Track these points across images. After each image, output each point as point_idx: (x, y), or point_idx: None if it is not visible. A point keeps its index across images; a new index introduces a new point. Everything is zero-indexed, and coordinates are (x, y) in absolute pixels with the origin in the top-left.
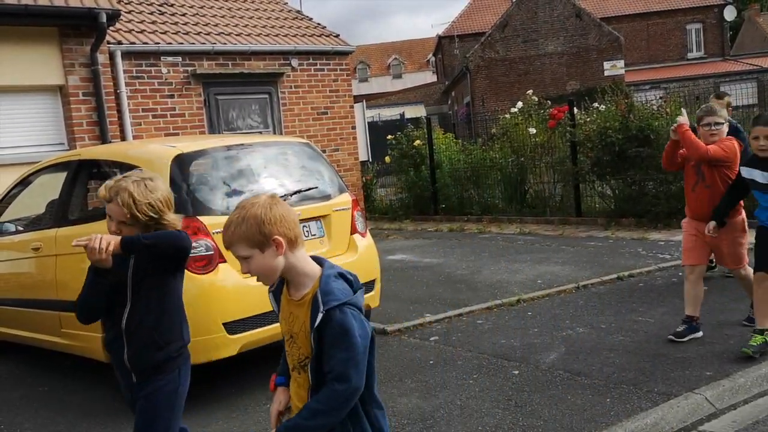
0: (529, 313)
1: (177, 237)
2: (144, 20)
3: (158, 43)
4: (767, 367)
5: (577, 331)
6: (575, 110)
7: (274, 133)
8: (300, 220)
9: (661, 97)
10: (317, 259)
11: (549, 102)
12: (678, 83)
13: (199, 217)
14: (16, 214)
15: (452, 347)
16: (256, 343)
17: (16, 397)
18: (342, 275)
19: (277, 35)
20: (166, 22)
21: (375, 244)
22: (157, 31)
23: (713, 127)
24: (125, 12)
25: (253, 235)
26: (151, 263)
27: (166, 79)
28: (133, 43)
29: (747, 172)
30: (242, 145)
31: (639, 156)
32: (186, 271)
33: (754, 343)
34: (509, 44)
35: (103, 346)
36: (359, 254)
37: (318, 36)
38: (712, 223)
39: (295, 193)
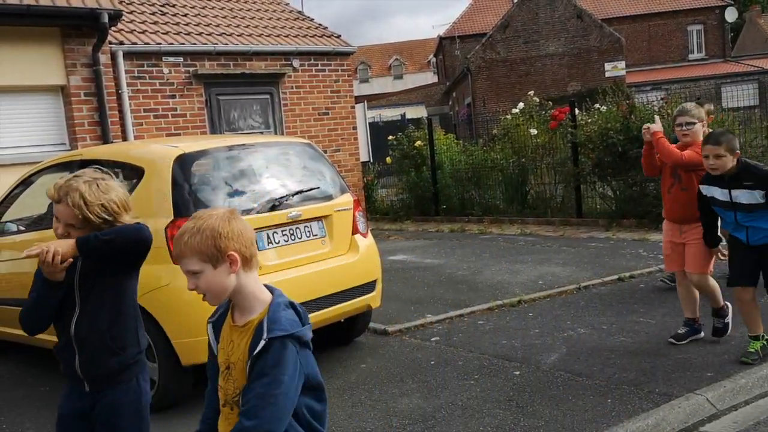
0: (530, 314)
1: (137, 230)
2: (146, 20)
3: (160, 44)
4: None
5: (578, 331)
6: (576, 111)
7: (276, 133)
8: (302, 220)
9: (662, 98)
10: (268, 287)
11: (550, 103)
12: (679, 84)
13: None
14: (17, 214)
15: (453, 348)
16: None
17: (18, 396)
18: (293, 306)
19: (278, 36)
20: (168, 22)
21: (376, 244)
22: (158, 31)
23: (685, 127)
24: (127, 12)
25: (207, 249)
26: (108, 262)
27: (167, 80)
28: (135, 44)
29: (706, 190)
30: (244, 145)
31: (640, 157)
32: None
33: (752, 350)
34: (510, 45)
35: (54, 353)
36: (360, 254)
37: (319, 36)
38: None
39: (297, 193)
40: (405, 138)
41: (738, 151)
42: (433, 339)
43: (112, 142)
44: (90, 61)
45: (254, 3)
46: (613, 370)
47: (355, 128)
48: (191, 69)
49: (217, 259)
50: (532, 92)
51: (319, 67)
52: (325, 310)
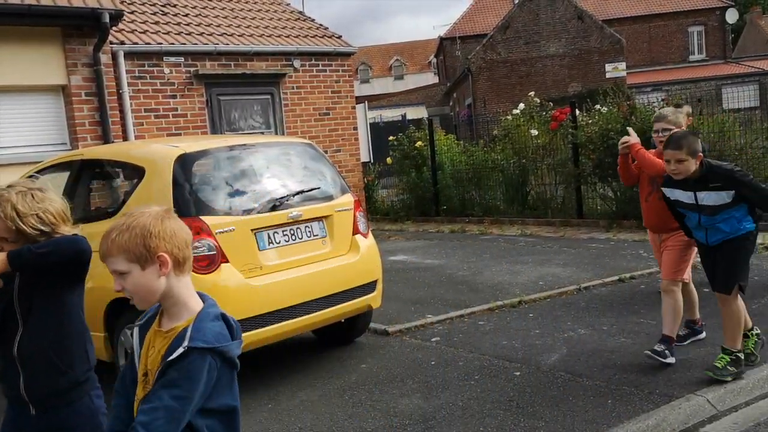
0: (531, 315)
1: (74, 241)
2: (147, 20)
3: (161, 44)
4: None
5: (578, 332)
6: (577, 112)
7: (276, 133)
8: (302, 220)
9: (662, 99)
10: (202, 296)
11: (551, 104)
12: (679, 85)
13: (201, 217)
14: None
15: (453, 348)
16: (259, 343)
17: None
18: (224, 318)
19: (279, 36)
20: (169, 22)
21: (377, 244)
22: (159, 31)
23: (662, 134)
24: (128, 12)
25: (136, 248)
26: (45, 276)
27: (168, 80)
28: (136, 44)
29: (669, 193)
30: (245, 145)
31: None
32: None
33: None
34: (511, 46)
35: None
36: (361, 255)
37: (320, 37)
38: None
39: (298, 193)
40: (405, 138)
41: (701, 153)
42: (433, 339)
43: (112, 142)
44: (91, 61)
45: (255, 3)
46: (614, 370)
47: (355, 129)
48: (192, 69)
49: (146, 260)
50: (532, 93)
51: (320, 68)
52: (326, 310)
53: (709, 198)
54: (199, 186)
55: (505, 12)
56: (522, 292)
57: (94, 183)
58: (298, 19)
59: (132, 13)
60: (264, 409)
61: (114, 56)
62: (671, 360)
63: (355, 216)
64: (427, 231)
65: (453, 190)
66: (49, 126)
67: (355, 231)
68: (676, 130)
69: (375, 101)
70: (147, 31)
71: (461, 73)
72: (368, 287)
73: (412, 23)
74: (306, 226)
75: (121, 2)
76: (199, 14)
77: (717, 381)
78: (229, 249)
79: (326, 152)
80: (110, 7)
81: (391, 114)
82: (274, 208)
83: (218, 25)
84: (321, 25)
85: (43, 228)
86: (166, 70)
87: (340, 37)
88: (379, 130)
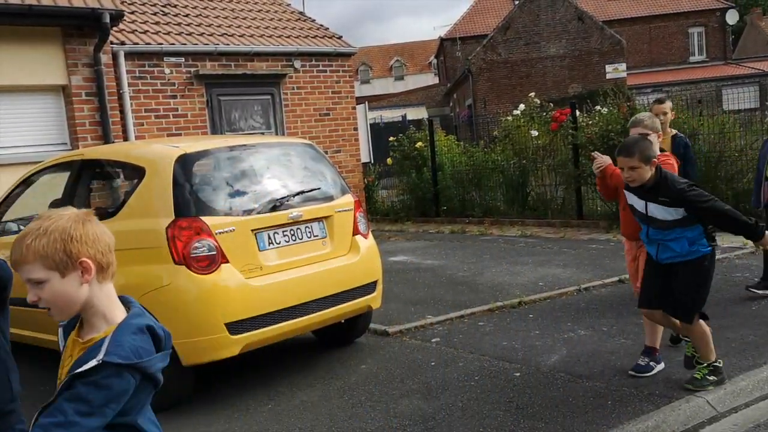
0: (531, 315)
1: None
2: (147, 21)
3: (161, 44)
4: None
5: (578, 333)
6: (577, 113)
7: (277, 134)
8: (303, 220)
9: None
10: (127, 302)
11: (551, 104)
12: (680, 87)
13: (201, 218)
14: (18, 214)
15: (453, 349)
16: (259, 343)
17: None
18: (150, 330)
19: (279, 36)
20: (170, 22)
21: (377, 245)
22: (160, 31)
23: None
24: (128, 12)
25: (55, 253)
26: None
27: (168, 80)
28: (136, 44)
29: (628, 197)
30: (245, 145)
31: None
32: (188, 271)
33: (697, 376)
34: (511, 47)
35: None
36: (361, 255)
37: (321, 37)
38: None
39: (298, 193)
40: (406, 139)
41: (655, 159)
42: (433, 340)
43: (113, 142)
44: (91, 61)
45: (255, 4)
46: (614, 371)
47: (356, 129)
48: (192, 69)
49: (66, 266)
50: (533, 94)
51: (321, 68)
52: (326, 310)
53: (657, 211)
54: (200, 186)
55: (505, 13)
56: (522, 292)
57: (94, 183)
58: (299, 19)
59: (132, 13)
60: (264, 410)
61: (114, 56)
62: (659, 368)
63: (355, 216)
64: (428, 232)
65: (453, 190)
66: (49, 126)
67: (356, 231)
68: (653, 135)
69: (375, 102)
70: (147, 31)
71: (461, 74)
72: (368, 288)
73: (413, 24)
74: (306, 227)
75: (122, 2)
76: (200, 14)
77: (716, 382)
78: (230, 249)
79: (326, 153)
80: (111, 8)
81: (391, 114)
82: (274, 209)
83: (219, 26)
84: (321, 25)
85: None
86: (167, 71)
87: (340, 37)
88: (379, 131)
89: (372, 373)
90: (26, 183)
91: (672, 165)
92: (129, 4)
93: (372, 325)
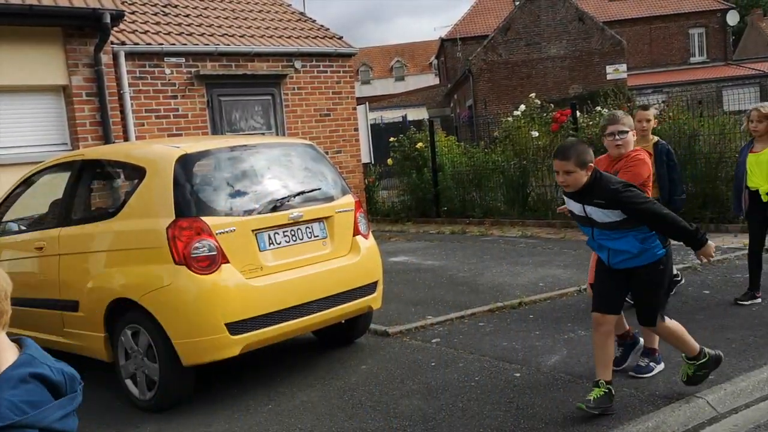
0: (531, 316)
1: None
2: (148, 21)
3: (162, 44)
4: None
5: (578, 333)
6: (578, 113)
7: (277, 134)
8: (303, 221)
9: (663, 101)
10: (21, 343)
11: (551, 105)
12: (680, 87)
13: (202, 218)
14: (19, 214)
15: (454, 349)
16: (259, 343)
17: None
18: (42, 378)
19: (280, 37)
20: (170, 23)
21: (377, 245)
22: (160, 32)
23: (617, 137)
24: (129, 12)
25: None
26: None
27: (169, 80)
28: (137, 44)
29: (567, 202)
30: (246, 146)
31: None
32: (189, 271)
33: (590, 397)
34: (512, 47)
35: None
36: (362, 256)
37: (321, 38)
38: None
39: (299, 194)
40: (406, 140)
41: (591, 164)
42: (433, 340)
43: (113, 143)
44: (92, 62)
45: (256, 4)
46: (614, 372)
47: (356, 130)
48: (193, 70)
49: None
50: (533, 94)
51: (321, 69)
52: (326, 311)
53: (594, 214)
54: (200, 186)
55: (505, 13)
56: (522, 293)
57: (94, 183)
58: (299, 19)
59: (133, 13)
60: (264, 410)
61: (115, 57)
62: (659, 368)
63: (355, 217)
64: (428, 232)
65: (453, 191)
66: (49, 126)
67: (356, 232)
68: (630, 133)
69: (376, 102)
70: (148, 31)
71: (462, 75)
72: (369, 288)
73: (413, 24)
74: (307, 227)
75: (122, 2)
76: (200, 15)
77: (717, 382)
78: (230, 249)
79: (327, 153)
80: (111, 8)
81: (391, 115)
82: (274, 209)
83: (219, 26)
84: (322, 26)
85: None
86: (167, 71)
87: (341, 38)
88: (379, 131)
89: (372, 373)
90: (27, 183)
91: (644, 160)
92: (129, 4)
93: (372, 326)
